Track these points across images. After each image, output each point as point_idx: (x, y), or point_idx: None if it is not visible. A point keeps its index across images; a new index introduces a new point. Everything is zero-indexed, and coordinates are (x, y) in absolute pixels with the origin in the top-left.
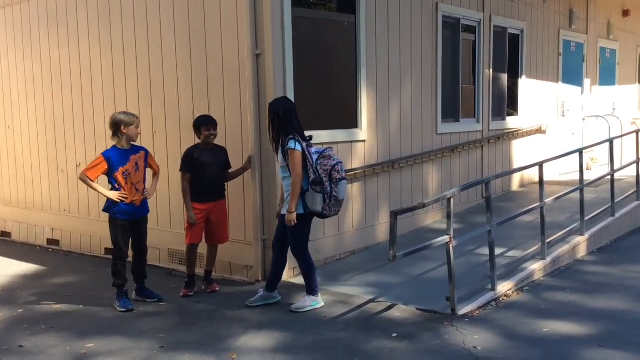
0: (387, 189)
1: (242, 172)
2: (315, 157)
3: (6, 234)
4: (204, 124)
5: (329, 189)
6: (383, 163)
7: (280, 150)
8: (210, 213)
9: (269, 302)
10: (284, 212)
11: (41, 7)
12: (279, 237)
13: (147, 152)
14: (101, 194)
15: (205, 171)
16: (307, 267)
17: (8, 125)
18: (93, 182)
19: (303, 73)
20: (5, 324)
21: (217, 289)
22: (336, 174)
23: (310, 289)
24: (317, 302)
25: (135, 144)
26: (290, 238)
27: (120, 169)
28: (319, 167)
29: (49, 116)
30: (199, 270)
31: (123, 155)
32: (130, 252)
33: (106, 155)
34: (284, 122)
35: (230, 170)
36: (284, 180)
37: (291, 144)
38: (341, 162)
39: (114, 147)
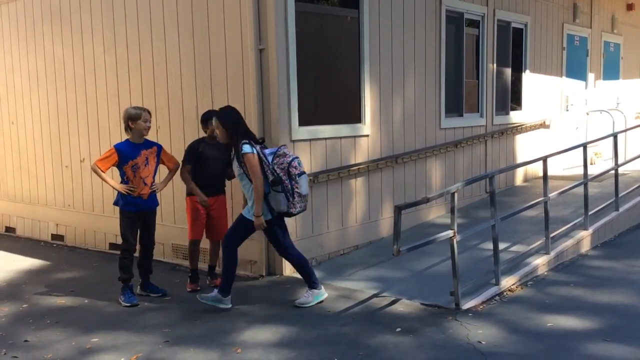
0: (390, 184)
1: None
2: (270, 157)
3: (10, 229)
4: (212, 118)
5: (289, 186)
6: (386, 158)
7: (235, 159)
8: (211, 208)
9: (218, 305)
10: (246, 214)
11: (45, 3)
12: (232, 237)
13: (160, 148)
14: (110, 185)
15: (209, 165)
16: (299, 264)
17: (12, 121)
18: (103, 173)
19: (306, 68)
20: (11, 319)
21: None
22: (294, 169)
23: (311, 283)
24: (321, 294)
25: (148, 139)
26: (272, 243)
27: (130, 162)
28: (275, 167)
29: (52, 111)
30: (203, 265)
31: (134, 148)
32: (137, 247)
33: (117, 147)
34: (236, 130)
35: None
36: (244, 187)
37: (246, 148)
38: (297, 158)
39: (126, 140)
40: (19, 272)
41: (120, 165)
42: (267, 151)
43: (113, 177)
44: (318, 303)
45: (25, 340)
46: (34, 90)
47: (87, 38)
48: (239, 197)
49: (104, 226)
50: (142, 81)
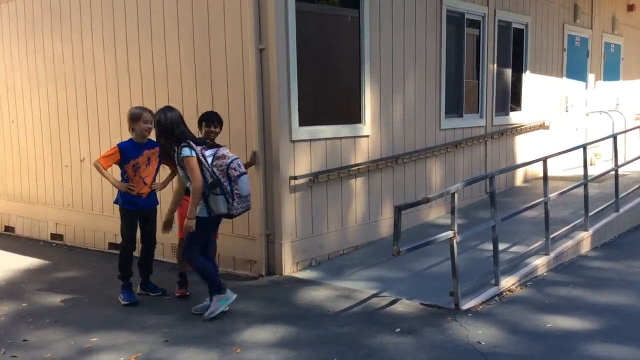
0: (390, 184)
1: (246, 168)
2: (210, 159)
3: (10, 229)
4: (206, 119)
5: (228, 188)
6: (386, 158)
7: (176, 161)
8: None
9: (223, 306)
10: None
11: (45, 2)
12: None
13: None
14: (110, 182)
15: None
16: (201, 269)
17: (12, 120)
18: (105, 170)
19: (307, 68)
20: (10, 318)
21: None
22: (233, 171)
23: (215, 288)
24: (227, 298)
25: (152, 139)
26: (185, 240)
27: (132, 162)
28: (215, 169)
29: (52, 111)
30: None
31: (137, 148)
32: (139, 246)
33: (120, 146)
34: (173, 132)
35: None
36: (189, 188)
37: (185, 152)
38: (237, 159)
39: (130, 139)
40: (18, 271)
41: (121, 163)
42: (208, 152)
43: (114, 174)
44: (225, 307)
45: (25, 340)
46: (34, 89)
47: (87, 37)
48: None
49: (104, 226)
50: (142, 80)
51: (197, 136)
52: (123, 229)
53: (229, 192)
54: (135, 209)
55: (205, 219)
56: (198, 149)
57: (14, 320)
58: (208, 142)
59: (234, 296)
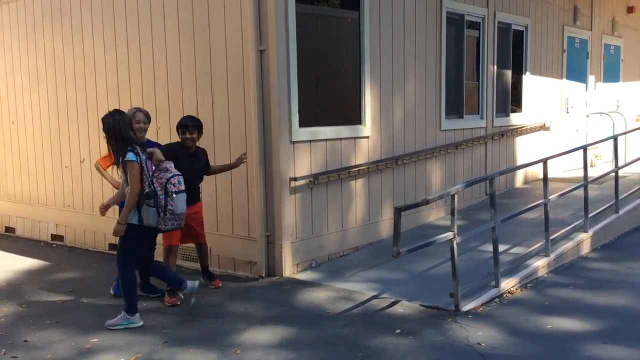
0: (390, 186)
1: (229, 169)
2: (153, 170)
3: (10, 230)
4: (181, 125)
5: (163, 202)
6: (386, 159)
7: (120, 164)
8: (188, 215)
9: (129, 326)
10: (130, 220)
11: (45, 3)
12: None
13: (161, 148)
14: (108, 181)
15: (185, 174)
16: (126, 282)
17: (12, 121)
18: (104, 170)
19: (307, 69)
20: (10, 319)
21: (220, 284)
22: (172, 186)
23: (129, 307)
24: (133, 322)
25: (150, 139)
26: (118, 246)
27: None
28: (154, 180)
29: (53, 111)
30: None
31: None
32: None
33: None
34: (121, 135)
35: (217, 164)
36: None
37: (130, 156)
38: (179, 175)
39: None
40: (18, 272)
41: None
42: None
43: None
44: (134, 327)
45: (25, 340)
46: (34, 89)
47: (87, 37)
48: (240, 198)
49: (104, 227)
50: (143, 81)
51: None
52: None
53: (162, 206)
54: None
55: (136, 227)
56: (143, 156)
57: (15, 321)
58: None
59: (140, 323)
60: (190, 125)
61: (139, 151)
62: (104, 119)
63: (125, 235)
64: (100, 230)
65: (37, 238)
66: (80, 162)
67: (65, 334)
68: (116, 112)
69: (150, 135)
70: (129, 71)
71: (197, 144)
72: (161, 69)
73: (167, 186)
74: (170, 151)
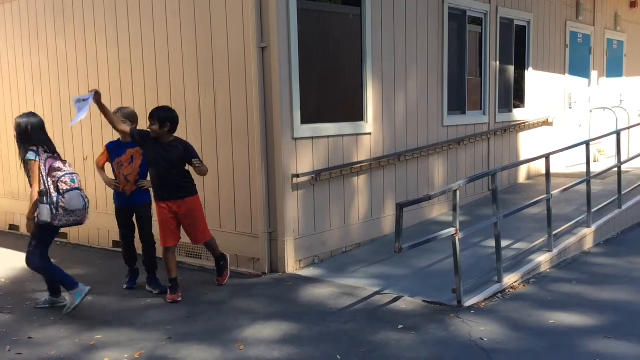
0: (393, 182)
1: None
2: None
3: (14, 227)
4: (149, 115)
5: (55, 199)
6: (389, 156)
7: (22, 163)
8: (177, 213)
9: (55, 305)
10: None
11: (47, 1)
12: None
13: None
14: (102, 179)
15: (152, 164)
16: (53, 271)
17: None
18: (100, 168)
19: (308, 66)
20: (15, 316)
21: (223, 283)
22: (63, 184)
23: (67, 285)
24: (80, 292)
25: None
26: (32, 241)
27: (117, 160)
28: (48, 179)
29: (56, 109)
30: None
31: (121, 147)
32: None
33: (108, 145)
34: (26, 135)
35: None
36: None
37: (30, 155)
38: (73, 175)
39: (118, 139)
40: (22, 269)
41: (110, 161)
42: (57, 163)
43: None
44: (82, 298)
45: (30, 337)
46: (37, 87)
47: (89, 34)
48: (243, 194)
49: (107, 224)
50: (145, 79)
51: (201, 132)
52: (117, 224)
53: (54, 203)
54: (120, 205)
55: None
56: (44, 156)
57: (19, 318)
58: (57, 154)
59: (88, 288)
60: (153, 115)
61: (41, 151)
62: (17, 119)
63: (37, 230)
64: (104, 227)
65: None
66: (84, 159)
67: (69, 331)
68: (31, 115)
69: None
70: (131, 69)
71: (161, 136)
72: (163, 67)
73: (59, 184)
74: (140, 136)
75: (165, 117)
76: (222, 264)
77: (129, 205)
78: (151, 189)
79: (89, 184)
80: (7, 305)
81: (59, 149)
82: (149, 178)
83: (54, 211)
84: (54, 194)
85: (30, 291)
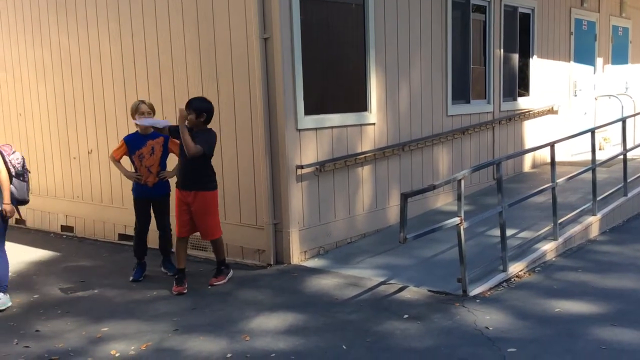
0: (397, 172)
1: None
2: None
3: (21, 221)
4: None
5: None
6: (393, 146)
7: None
8: (190, 205)
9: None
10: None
11: None
12: None
13: (167, 138)
14: (122, 173)
15: (180, 154)
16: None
17: (20, 113)
18: (118, 162)
19: (312, 56)
20: (22, 309)
21: (214, 284)
22: (12, 169)
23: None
24: (4, 303)
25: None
26: None
27: (137, 152)
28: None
29: (60, 103)
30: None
31: (141, 139)
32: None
33: (125, 138)
34: None
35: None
36: None
37: None
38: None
39: (136, 131)
40: (29, 263)
41: (129, 154)
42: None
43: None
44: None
45: (37, 330)
46: (40, 81)
47: (92, 28)
48: (248, 186)
49: (113, 217)
50: (148, 71)
51: (209, 126)
52: (135, 215)
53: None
54: (142, 196)
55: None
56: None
57: (26, 311)
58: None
59: (9, 303)
60: (190, 105)
61: None
62: None
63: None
64: (110, 220)
65: (47, 229)
66: (88, 153)
67: (76, 324)
68: None
69: None
70: (134, 62)
71: (198, 126)
72: (166, 59)
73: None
74: (175, 131)
75: (201, 107)
76: (223, 269)
77: (148, 196)
78: (171, 180)
79: (94, 176)
80: (15, 298)
81: (63, 142)
82: (168, 169)
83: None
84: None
85: (37, 284)
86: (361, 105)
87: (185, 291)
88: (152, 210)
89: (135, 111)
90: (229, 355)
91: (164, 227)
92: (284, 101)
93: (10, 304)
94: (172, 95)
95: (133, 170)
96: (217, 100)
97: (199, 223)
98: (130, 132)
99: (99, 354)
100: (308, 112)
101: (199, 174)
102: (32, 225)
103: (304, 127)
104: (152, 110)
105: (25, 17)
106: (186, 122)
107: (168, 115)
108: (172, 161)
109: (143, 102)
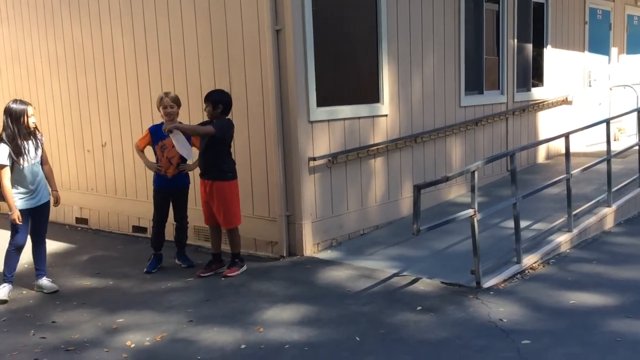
0: (410, 164)
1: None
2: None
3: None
4: (209, 98)
5: None
6: (405, 137)
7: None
8: (208, 194)
9: None
10: None
11: None
12: None
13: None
14: (143, 162)
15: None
16: None
17: (34, 107)
18: (141, 151)
19: (324, 48)
20: (38, 301)
21: (227, 275)
22: None
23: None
24: (52, 287)
25: (182, 121)
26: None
27: (160, 143)
28: None
29: (73, 96)
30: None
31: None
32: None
33: (150, 128)
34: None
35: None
36: None
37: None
38: None
39: (161, 122)
40: (47, 255)
41: (152, 145)
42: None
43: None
44: None
45: (53, 322)
46: (54, 75)
47: (105, 22)
48: (260, 178)
49: (127, 209)
50: (161, 64)
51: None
52: (154, 206)
53: None
54: (160, 186)
55: None
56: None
57: (42, 302)
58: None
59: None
60: (207, 97)
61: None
62: (8, 104)
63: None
64: (124, 212)
65: (61, 221)
66: (102, 145)
67: (92, 315)
68: (20, 102)
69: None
70: (147, 55)
71: (215, 118)
72: (178, 52)
73: None
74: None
75: (217, 99)
76: (237, 261)
77: (169, 187)
78: (190, 173)
79: (107, 169)
80: (31, 290)
81: (77, 136)
82: (189, 162)
83: None
84: None
85: (52, 276)
86: (373, 96)
87: (206, 275)
88: (170, 202)
89: (159, 104)
90: (243, 346)
91: (181, 219)
92: (296, 93)
93: (56, 288)
94: (185, 88)
95: (155, 160)
96: (229, 93)
97: (215, 212)
98: (154, 123)
99: (115, 345)
100: (320, 103)
101: (214, 164)
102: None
103: (316, 118)
104: (175, 104)
105: (38, 11)
106: (205, 114)
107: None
108: (196, 155)
109: (167, 94)
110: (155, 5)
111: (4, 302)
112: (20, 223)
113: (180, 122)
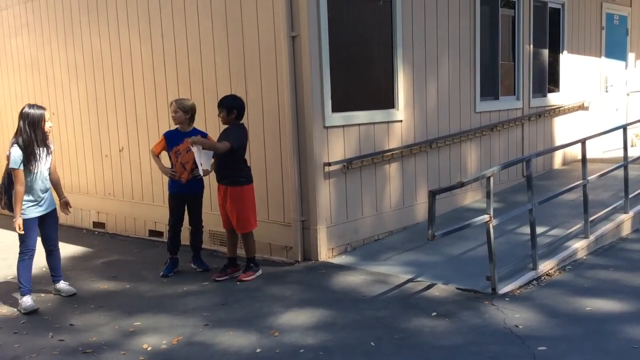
0: (424, 169)
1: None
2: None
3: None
4: (222, 104)
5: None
6: (420, 143)
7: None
8: (223, 197)
9: None
10: None
11: None
12: None
13: (204, 136)
14: (158, 167)
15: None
16: None
17: (53, 112)
18: (157, 157)
19: (339, 54)
20: (56, 304)
21: (242, 279)
22: None
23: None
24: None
25: (197, 127)
26: None
27: (174, 148)
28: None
29: (91, 102)
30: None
31: (179, 136)
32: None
33: (166, 134)
34: (35, 127)
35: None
36: None
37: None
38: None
39: (176, 128)
40: (62, 258)
41: (167, 150)
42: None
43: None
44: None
45: (71, 324)
46: (73, 81)
47: (123, 29)
48: (275, 183)
49: (143, 214)
50: (178, 71)
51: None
52: (169, 210)
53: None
54: (175, 191)
55: None
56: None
57: (60, 305)
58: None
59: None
60: (221, 103)
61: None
62: (24, 108)
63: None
64: (140, 217)
65: (79, 226)
66: (120, 151)
67: (109, 318)
68: (36, 106)
69: None
70: (164, 62)
71: (229, 123)
72: (195, 59)
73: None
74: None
75: (231, 104)
76: (252, 265)
77: (183, 192)
78: (205, 178)
79: (125, 174)
80: (49, 293)
81: (95, 142)
82: (204, 167)
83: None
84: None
85: (70, 279)
86: (388, 102)
87: (222, 279)
88: (185, 207)
89: (171, 111)
90: (258, 350)
91: (196, 223)
92: (312, 99)
93: (74, 290)
94: (201, 95)
95: (170, 166)
96: (245, 100)
97: (230, 216)
98: (170, 129)
99: (132, 348)
100: (335, 109)
101: (229, 169)
102: (65, 221)
103: (332, 124)
104: (180, 110)
105: (58, 19)
106: (220, 119)
107: (196, 113)
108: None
109: (175, 101)
110: (172, 13)
111: (35, 310)
112: (23, 232)
113: (201, 136)
